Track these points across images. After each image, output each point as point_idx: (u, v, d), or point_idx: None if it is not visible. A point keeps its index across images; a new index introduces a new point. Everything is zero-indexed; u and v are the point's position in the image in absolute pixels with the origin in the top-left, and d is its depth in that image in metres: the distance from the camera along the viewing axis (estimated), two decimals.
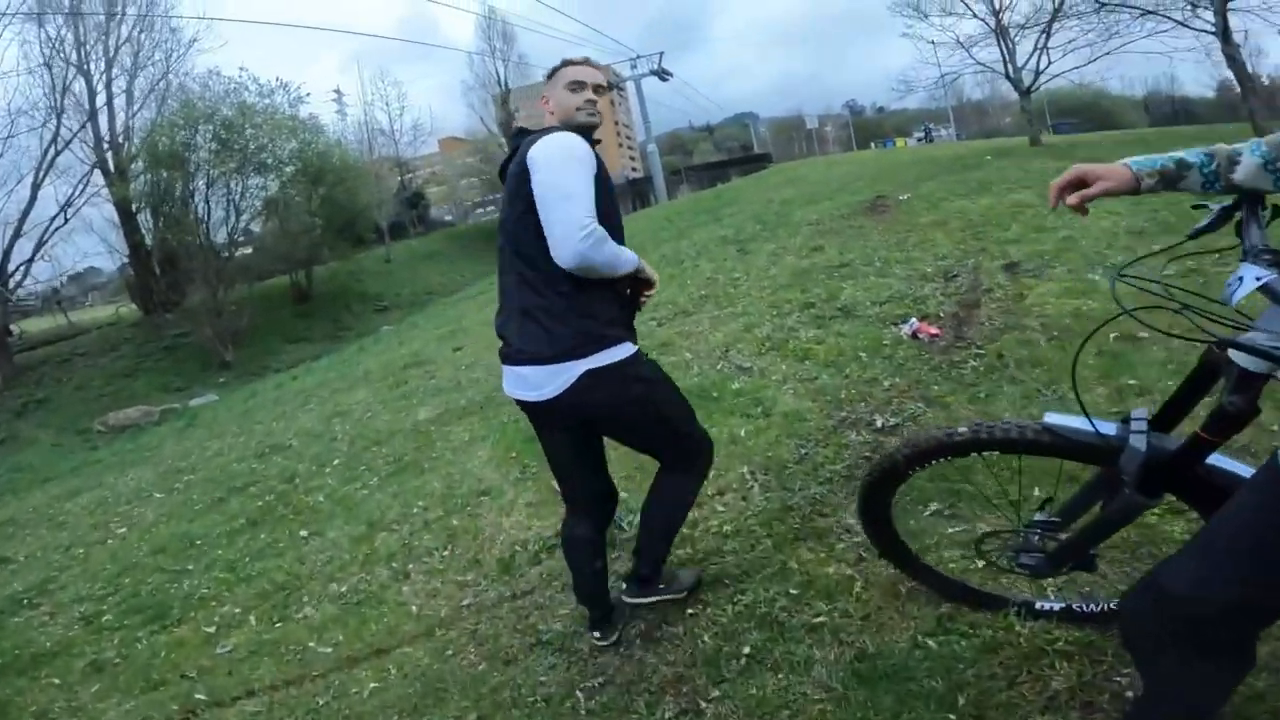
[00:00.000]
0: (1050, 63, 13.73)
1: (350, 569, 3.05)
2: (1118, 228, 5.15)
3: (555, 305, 1.60)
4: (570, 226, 1.49)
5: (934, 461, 1.48)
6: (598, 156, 1.65)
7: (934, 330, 3.68)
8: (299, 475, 4.60)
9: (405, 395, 5.99)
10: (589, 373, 1.61)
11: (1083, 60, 13.60)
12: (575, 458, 1.85)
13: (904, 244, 6.19)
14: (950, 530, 2.07)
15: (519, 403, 1.72)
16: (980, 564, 1.84)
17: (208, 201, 20.98)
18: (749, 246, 8.52)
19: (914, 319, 3.84)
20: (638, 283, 1.76)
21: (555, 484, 2.19)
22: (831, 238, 7.49)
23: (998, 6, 13.90)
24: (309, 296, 24.30)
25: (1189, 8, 11.11)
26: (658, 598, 2.05)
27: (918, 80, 16.31)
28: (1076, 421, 1.29)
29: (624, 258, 1.63)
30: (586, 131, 1.72)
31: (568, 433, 1.78)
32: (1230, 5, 10.47)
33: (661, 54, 26.82)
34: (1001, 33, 13.87)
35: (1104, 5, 11.96)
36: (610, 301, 1.67)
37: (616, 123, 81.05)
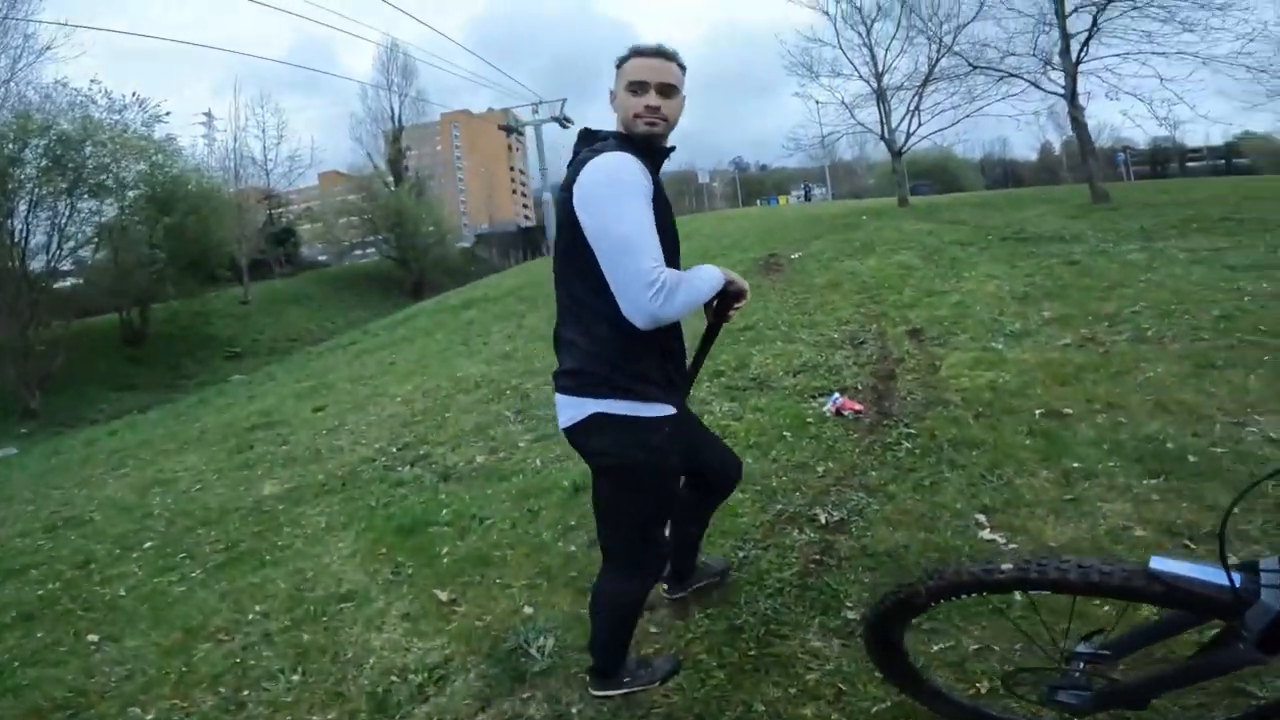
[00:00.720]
0: (920, 124, 14.90)
1: (158, 690, 2.21)
2: (1002, 292, 5.38)
3: (591, 345, 1.50)
4: (637, 284, 1.34)
5: (963, 596, 1.31)
6: (652, 176, 1.46)
7: (857, 406, 3.48)
8: (96, 560, 3.55)
9: (248, 464, 5.00)
10: (597, 415, 1.50)
11: (947, 123, 14.85)
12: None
13: (805, 306, 6.18)
14: (973, 649, 1.75)
15: None
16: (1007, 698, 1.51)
17: (28, 224, 17.99)
18: None
19: (837, 394, 3.63)
20: (725, 297, 1.62)
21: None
22: None
23: (880, 69, 15.06)
24: (143, 338, 21.33)
25: (1043, 67, 12.36)
26: (622, 691, 1.84)
27: (805, 139, 17.37)
28: (1191, 569, 1.12)
29: (703, 289, 1.49)
30: (648, 143, 1.51)
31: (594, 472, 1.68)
32: (1079, 68, 11.68)
33: (564, 100, 26.98)
34: (881, 95, 15.01)
35: (975, 67, 13.17)
36: (650, 353, 1.52)
37: (513, 168, 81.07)
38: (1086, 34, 11.31)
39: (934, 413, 3.28)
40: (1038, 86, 12.44)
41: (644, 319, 1.36)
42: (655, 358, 1.53)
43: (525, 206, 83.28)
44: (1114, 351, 3.70)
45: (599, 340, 1.49)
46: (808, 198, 40.25)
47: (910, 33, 14.19)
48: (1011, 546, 2.21)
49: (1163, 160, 37.22)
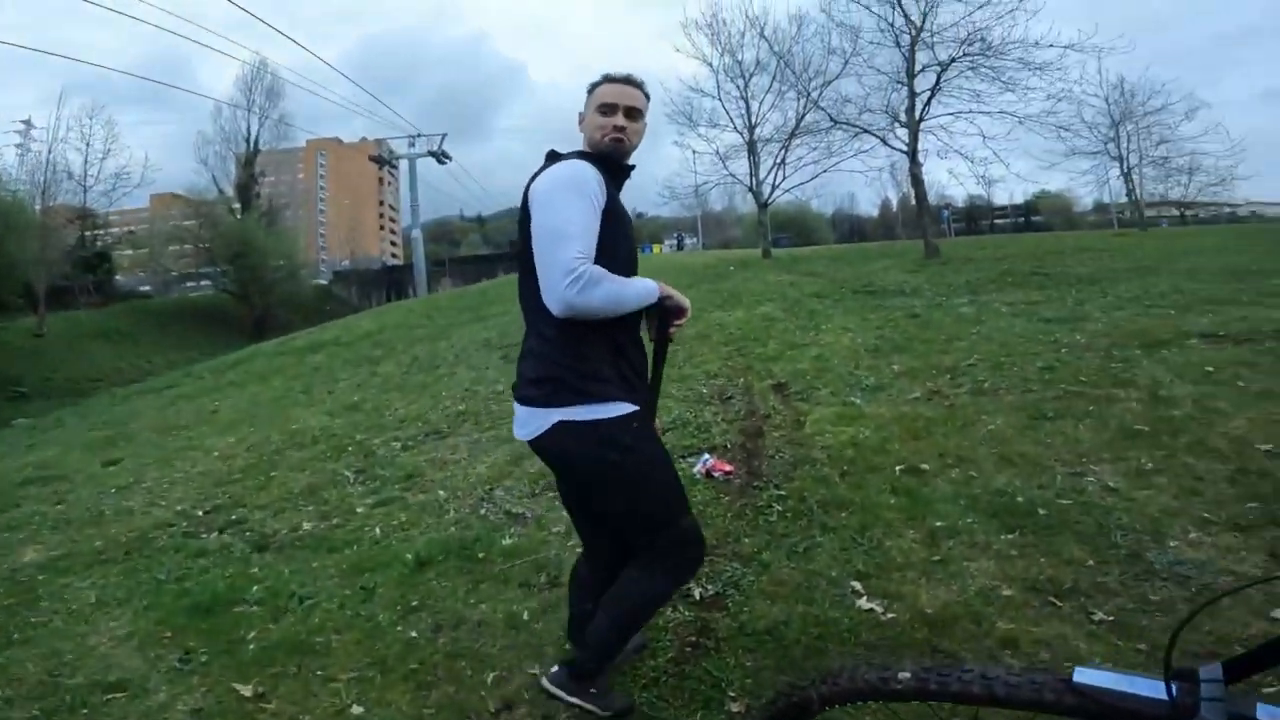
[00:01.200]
0: (785, 177, 15.94)
1: None
2: (856, 345, 5.65)
3: (541, 346, 1.54)
4: (556, 271, 1.39)
5: (858, 704, 1.20)
6: (610, 189, 1.53)
7: (728, 467, 3.35)
8: None
9: (10, 525, 3.97)
10: (561, 424, 1.51)
11: (808, 176, 16.03)
12: (574, 504, 1.79)
13: (674, 359, 6.12)
14: None
15: None
16: None
17: None
18: (514, 353, 7.90)
19: (707, 455, 3.48)
20: (666, 313, 1.60)
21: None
22: None
23: (753, 122, 15.96)
24: None
25: (891, 123, 13.59)
26: (579, 701, 1.73)
27: (680, 188, 18.05)
28: (1119, 680, 0.98)
29: (628, 294, 1.48)
30: (609, 159, 1.59)
31: (560, 478, 1.73)
32: (921, 126, 12.96)
33: (444, 135, 26.07)
34: (752, 147, 15.89)
35: (836, 123, 14.30)
36: (601, 351, 1.52)
37: (382, 203, 77.22)
38: (929, 93, 12.72)
39: (802, 472, 3.21)
40: (885, 143, 13.79)
41: (558, 305, 1.39)
42: (607, 356, 1.52)
43: (393, 244, 79.32)
44: (957, 404, 3.90)
45: (549, 342, 1.50)
46: (680, 247, 41.94)
47: (783, 87, 15.28)
48: (890, 616, 2.09)
49: (976, 218, 42.70)
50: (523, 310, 1.60)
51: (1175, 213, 23.17)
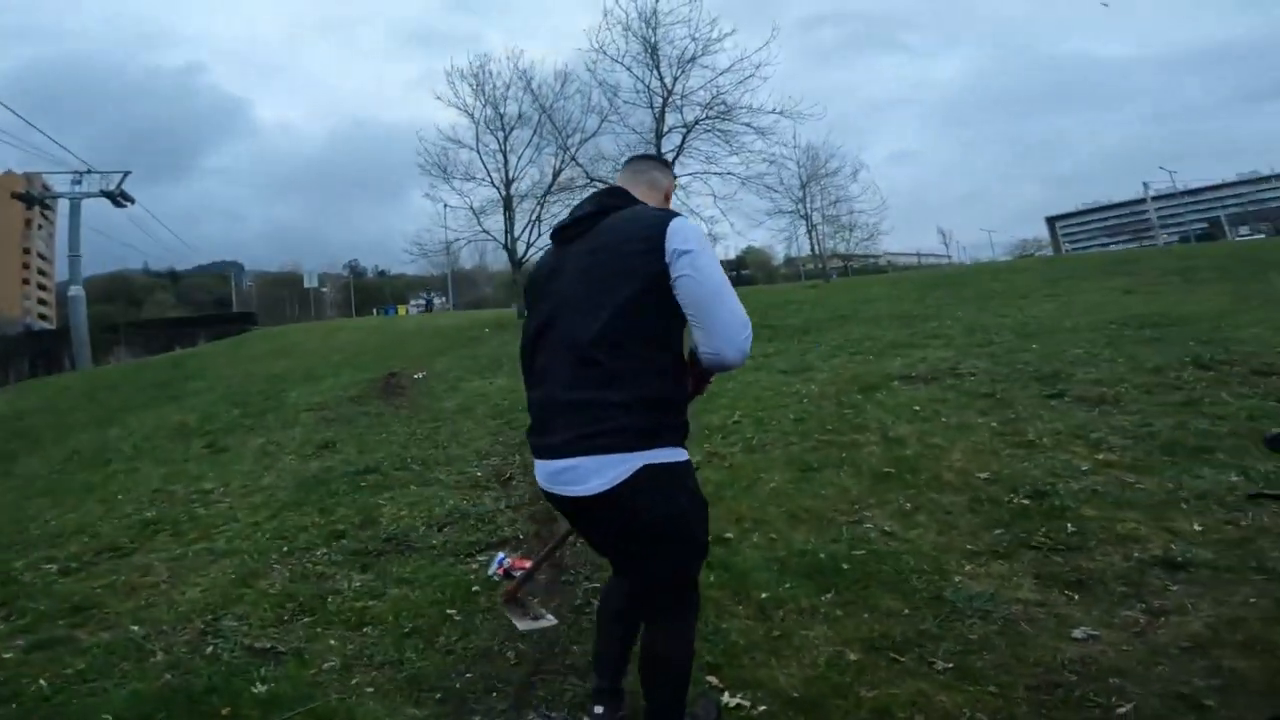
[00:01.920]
0: (540, 234, 15.75)
1: None
2: None
3: (637, 397, 1.44)
4: (736, 322, 1.45)
5: None
6: None
7: (527, 563, 2.81)
8: None
9: None
10: (647, 468, 1.43)
11: None
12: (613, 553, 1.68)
13: (437, 437, 5.38)
14: None
15: (554, 498, 1.55)
16: None
17: None
18: (225, 441, 6.31)
19: (502, 554, 2.91)
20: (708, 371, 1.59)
21: None
22: (344, 429, 6.12)
23: (510, 176, 15.61)
24: None
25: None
26: None
27: (431, 243, 16.89)
28: None
29: None
30: None
31: (612, 531, 1.55)
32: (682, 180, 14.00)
33: (126, 174, 20.94)
34: (508, 202, 15.54)
35: (592, 179, 14.64)
36: (683, 394, 1.54)
37: (28, 251, 59.85)
38: (675, 153, 13.75)
39: (604, 563, 2.83)
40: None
41: (738, 354, 1.45)
42: (684, 400, 1.54)
43: (43, 303, 62.01)
44: (736, 465, 3.91)
45: (651, 392, 1.46)
46: (429, 307, 39.65)
47: (542, 141, 15.30)
48: (761, 709, 1.89)
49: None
50: (579, 357, 1.47)
51: (840, 264, 28.79)
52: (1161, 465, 3.37)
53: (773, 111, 12.83)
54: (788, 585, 2.53)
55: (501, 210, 15.85)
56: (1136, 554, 2.60)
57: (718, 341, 1.43)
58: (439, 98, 15.99)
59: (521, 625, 2.06)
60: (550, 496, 1.56)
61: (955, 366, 5.50)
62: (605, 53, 13.60)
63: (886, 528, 2.96)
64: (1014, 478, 3.35)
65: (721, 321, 1.43)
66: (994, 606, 2.32)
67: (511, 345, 10.93)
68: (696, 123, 13.39)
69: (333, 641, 2.45)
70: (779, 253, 40.91)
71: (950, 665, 2.04)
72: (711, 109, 13.15)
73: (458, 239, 16.91)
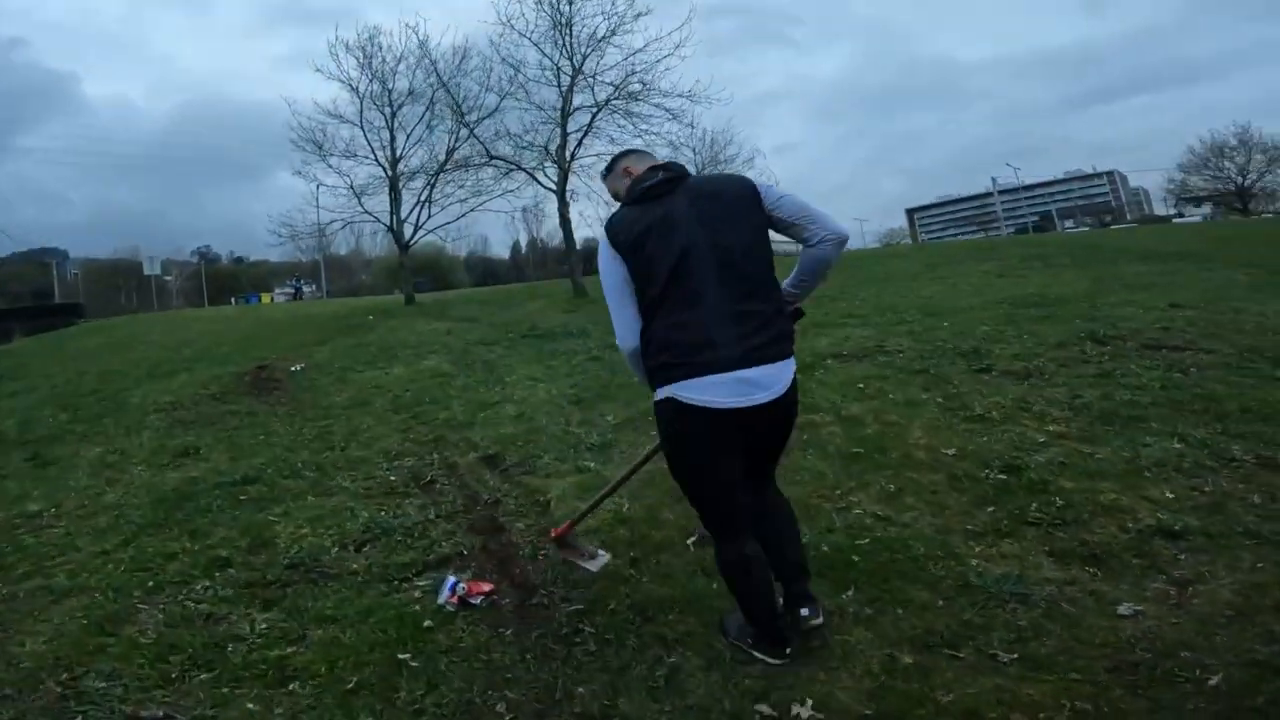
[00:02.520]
0: (430, 216, 14.45)
1: None
2: (555, 397, 4.99)
3: (775, 309, 1.73)
4: (833, 217, 1.76)
5: None
6: None
7: (486, 586, 2.24)
8: None
9: None
10: (793, 371, 1.75)
11: (454, 215, 14.78)
12: (744, 472, 1.80)
13: (330, 437, 4.53)
14: None
15: (718, 415, 1.64)
16: None
17: None
18: (53, 451, 5.02)
19: (451, 577, 2.30)
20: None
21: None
22: (207, 431, 5.04)
23: (397, 154, 14.01)
24: None
25: (541, 161, 13.17)
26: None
27: (302, 225, 14.96)
28: None
29: None
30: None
31: (754, 438, 1.75)
32: (572, 164, 12.90)
33: None
34: (394, 182, 13.97)
35: (494, 158, 13.35)
36: None
37: None
38: (582, 133, 12.96)
39: (577, 575, 2.33)
40: (537, 180, 13.63)
41: (846, 226, 1.78)
42: None
43: None
44: None
45: (778, 303, 1.76)
46: (298, 294, 35.77)
47: (433, 119, 13.86)
48: None
49: (589, 259, 47.53)
50: (756, 278, 1.71)
51: None
52: (1107, 435, 3.40)
53: (684, 94, 12.44)
54: (851, 595, 2.17)
55: (386, 190, 14.36)
56: (1131, 525, 2.51)
57: (832, 222, 1.74)
58: (319, 70, 14.07)
59: (591, 567, 2.11)
60: (722, 411, 1.64)
61: (881, 344, 5.47)
62: (513, 26, 12.58)
63: (878, 512, 2.70)
64: (980, 453, 3.23)
65: (823, 212, 1.75)
66: (1026, 589, 2.12)
67: (402, 332, 9.89)
68: (607, 102, 12.75)
69: (252, 706, 1.78)
70: None
71: (1015, 656, 1.82)
72: (624, 89, 12.58)
73: (334, 220, 15.17)
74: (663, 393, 1.70)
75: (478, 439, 4.13)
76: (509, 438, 4.07)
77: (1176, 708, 1.59)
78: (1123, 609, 2.00)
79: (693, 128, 12.99)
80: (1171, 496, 2.72)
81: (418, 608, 2.16)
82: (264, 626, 2.12)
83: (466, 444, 4.06)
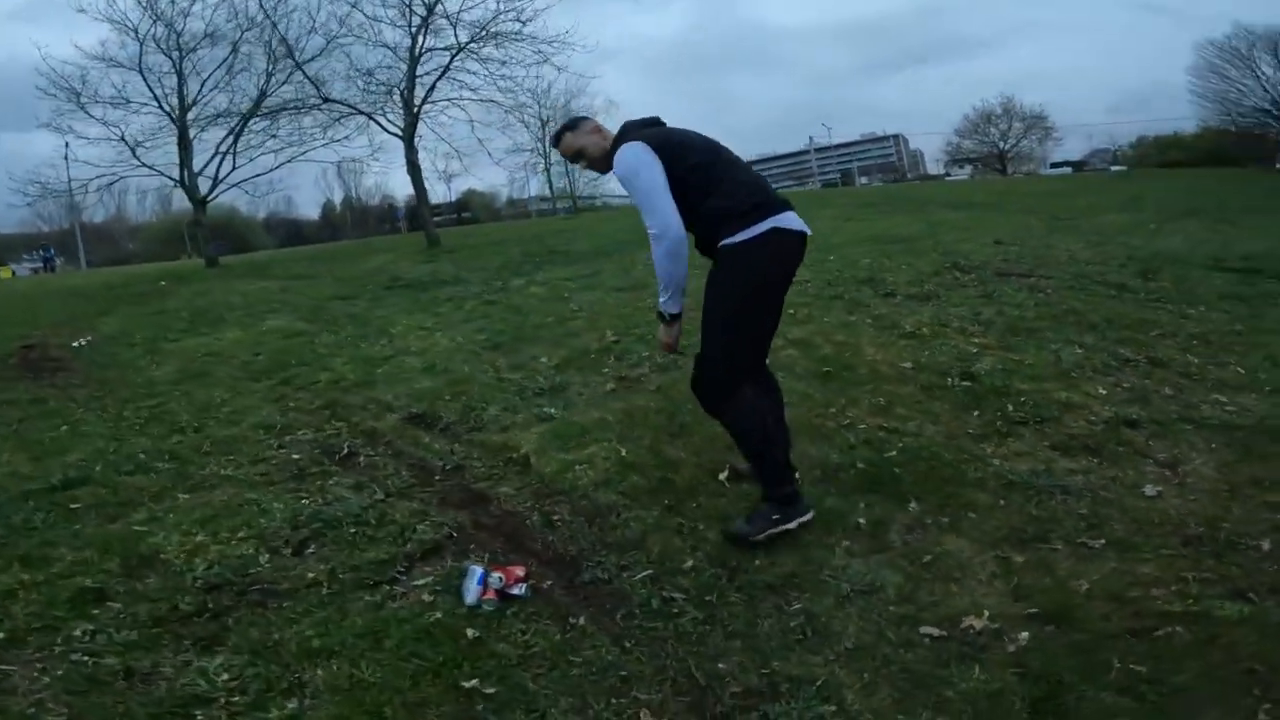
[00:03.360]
0: (236, 168, 11.99)
1: None
2: (465, 343, 4.30)
3: None
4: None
5: None
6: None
7: (520, 570, 1.71)
8: None
9: None
10: None
11: (266, 168, 12.37)
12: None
13: (170, 418, 3.47)
14: None
15: (801, 242, 1.88)
16: None
17: None
18: None
19: (478, 569, 1.72)
20: None
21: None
22: None
23: (187, 100, 11.27)
24: None
25: (385, 99, 11.48)
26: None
27: (57, 184, 11.65)
28: None
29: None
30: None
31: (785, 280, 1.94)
32: (423, 109, 11.35)
33: None
34: (184, 132, 11.30)
35: (328, 100, 11.31)
36: None
37: None
38: (437, 74, 11.34)
39: (620, 533, 1.94)
40: (379, 125, 11.84)
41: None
42: None
43: None
44: (663, 388, 3.19)
45: None
46: (50, 267, 28.18)
47: (237, 61, 11.29)
48: (1022, 635, 1.44)
49: (412, 215, 43.38)
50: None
51: (570, 203, 28.38)
52: (1020, 344, 3.68)
53: (554, 40, 11.44)
54: (865, 504, 2.01)
55: (175, 142, 11.60)
56: (1094, 417, 2.70)
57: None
58: (83, 10, 10.73)
59: None
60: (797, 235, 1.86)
61: None
62: None
63: (882, 424, 2.62)
64: (933, 365, 3.32)
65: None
66: (1059, 480, 2.16)
67: (217, 294, 8.14)
68: (469, 42, 11.34)
69: None
70: (501, 194, 39.22)
71: (1102, 542, 1.83)
72: (490, 29, 11.22)
73: (101, 176, 12.00)
74: (764, 226, 1.79)
75: (388, 399, 3.40)
76: (430, 393, 3.40)
77: (1260, 569, 1.65)
78: (1148, 490, 2.09)
79: (560, 70, 12.17)
80: (1104, 392, 2.98)
81: (439, 615, 1.59)
82: (226, 677, 1.42)
83: (378, 406, 3.32)
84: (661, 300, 1.91)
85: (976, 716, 1.25)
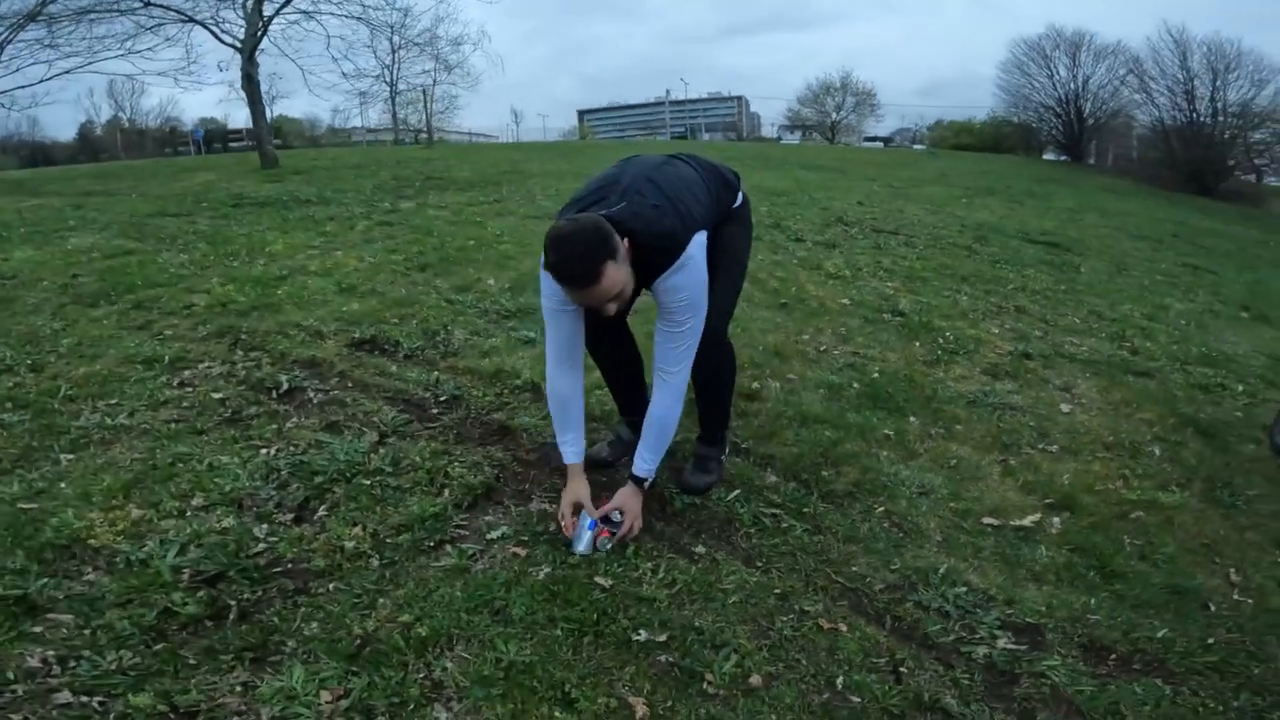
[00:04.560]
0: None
1: None
2: (370, 262, 3.81)
3: None
4: None
5: None
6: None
7: (606, 505, 1.57)
8: None
9: None
10: None
11: (37, 78, 9.69)
12: None
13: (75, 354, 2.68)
14: None
15: None
16: None
17: None
18: None
19: (587, 520, 1.52)
20: None
21: None
22: None
23: None
24: None
25: (215, 11, 9.47)
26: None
27: None
28: None
29: None
30: None
31: None
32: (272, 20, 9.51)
33: None
34: None
35: (151, 4, 9.03)
36: None
37: None
38: None
39: (677, 460, 1.89)
40: (214, 34, 9.63)
41: None
42: None
43: None
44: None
45: None
46: None
47: None
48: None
49: (211, 140, 37.15)
50: None
51: (411, 135, 25.88)
52: (921, 289, 4.16)
53: None
54: (878, 419, 2.20)
55: None
56: (1002, 351, 3.16)
57: None
58: None
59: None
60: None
61: None
62: None
63: (851, 351, 2.84)
64: (865, 303, 3.64)
65: None
66: (1004, 399, 2.55)
67: None
68: None
69: None
70: (322, 122, 35.04)
71: (1055, 446, 2.21)
72: None
73: None
74: (743, 190, 1.82)
75: (310, 323, 2.91)
76: (367, 315, 2.98)
77: (1162, 469, 2.12)
78: (1064, 408, 2.54)
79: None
80: (997, 331, 3.50)
81: (548, 569, 1.43)
82: (328, 697, 1.12)
83: (301, 331, 2.83)
84: (650, 463, 1.58)
85: (1062, 582, 1.48)
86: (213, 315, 3.08)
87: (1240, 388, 3.02)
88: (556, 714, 1.12)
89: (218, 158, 16.61)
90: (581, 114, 60.70)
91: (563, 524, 1.54)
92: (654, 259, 1.44)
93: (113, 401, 2.22)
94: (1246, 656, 1.33)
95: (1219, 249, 8.97)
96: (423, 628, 1.28)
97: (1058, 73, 25.33)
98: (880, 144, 34.81)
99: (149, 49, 9.73)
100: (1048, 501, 1.82)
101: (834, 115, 35.42)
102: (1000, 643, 1.32)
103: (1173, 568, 1.59)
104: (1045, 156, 27.09)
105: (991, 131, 29.71)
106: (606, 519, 1.53)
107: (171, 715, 1.10)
